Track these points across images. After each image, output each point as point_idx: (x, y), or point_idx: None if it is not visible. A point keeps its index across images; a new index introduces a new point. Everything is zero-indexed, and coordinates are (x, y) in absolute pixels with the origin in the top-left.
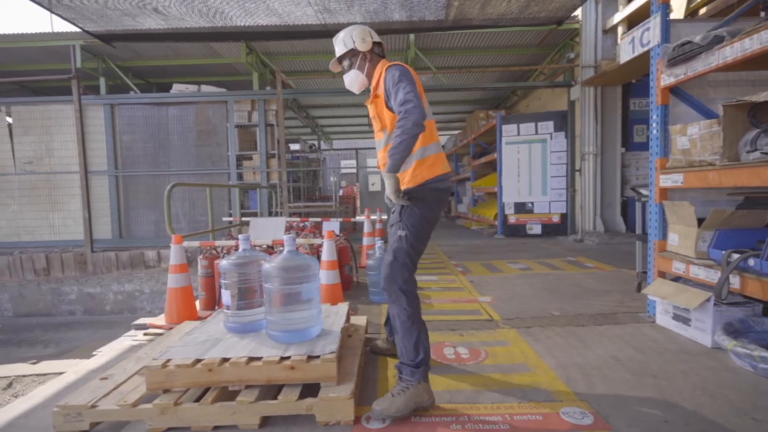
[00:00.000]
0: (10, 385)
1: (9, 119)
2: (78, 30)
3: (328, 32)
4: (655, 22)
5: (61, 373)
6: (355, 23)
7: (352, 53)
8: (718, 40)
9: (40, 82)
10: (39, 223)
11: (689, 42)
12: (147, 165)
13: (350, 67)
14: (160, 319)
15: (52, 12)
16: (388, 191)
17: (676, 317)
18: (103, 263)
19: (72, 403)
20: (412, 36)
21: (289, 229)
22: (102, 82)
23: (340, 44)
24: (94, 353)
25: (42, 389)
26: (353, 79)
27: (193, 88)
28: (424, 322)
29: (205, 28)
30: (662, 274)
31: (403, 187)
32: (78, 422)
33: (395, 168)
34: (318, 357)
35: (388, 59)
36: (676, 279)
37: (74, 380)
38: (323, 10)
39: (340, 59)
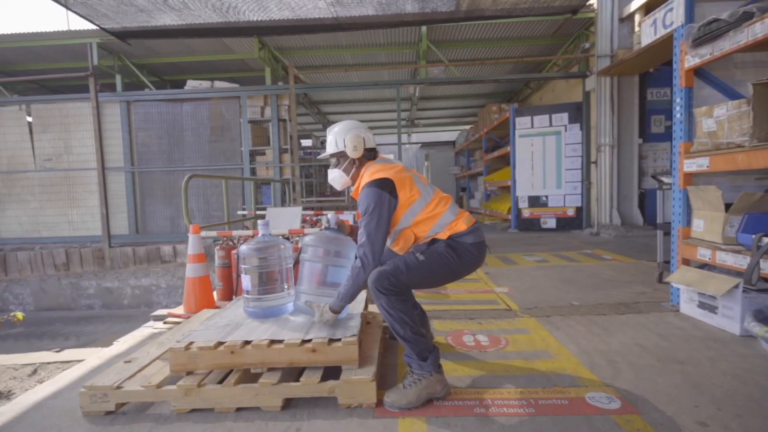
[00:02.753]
0: (35, 371)
1: (29, 118)
2: (94, 27)
3: (340, 26)
4: (678, 2)
5: (83, 361)
6: (368, 16)
7: (340, 154)
8: (747, 17)
9: (58, 81)
10: (58, 220)
11: (716, 20)
12: (162, 161)
13: (336, 165)
14: (179, 309)
15: (68, 9)
16: (319, 321)
17: (701, 305)
18: (121, 258)
19: (98, 384)
20: (424, 28)
21: (303, 222)
22: (118, 79)
23: (332, 143)
24: (113, 343)
25: (67, 373)
26: (336, 178)
27: (206, 84)
28: (413, 315)
29: (218, 23)
30: (686, 262)
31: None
32: (104, 403)
33: (340, 308)
34: (339, 340)
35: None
36: (702, 266)
37: (98, 365)
38: (335, 2)
39: (330, 155)
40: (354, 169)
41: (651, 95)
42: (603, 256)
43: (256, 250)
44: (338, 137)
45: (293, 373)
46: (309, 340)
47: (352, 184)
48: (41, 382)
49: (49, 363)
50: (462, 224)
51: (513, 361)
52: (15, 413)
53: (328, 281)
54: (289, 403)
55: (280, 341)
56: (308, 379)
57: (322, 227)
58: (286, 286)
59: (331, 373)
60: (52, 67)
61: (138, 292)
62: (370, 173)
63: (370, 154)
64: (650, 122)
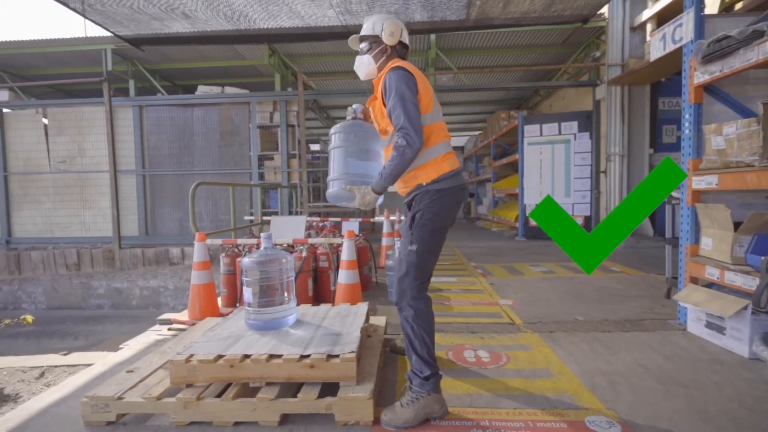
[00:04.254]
0: (42, 374)
1: (45, 120)
2: (109, 34)
3: (349, 33)
4: (688, 17)
5: (90, 365)
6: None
7: (374, 39)
8: (757, 35)
9: (74, 85)
10: (71, 220)
11: (726, 37)
12: (172, 165)
13: (367, 51)
14: (184, 315)
15: (85, 17)
16: (360, 203)
17: (709, 325)
18: (130, 259)
19: (100, 395)
20: (433, 36)
21: (309, 228)
22: (131, 84)
23: (369, 26)
24: (121, 346)
25: (72, 380)
26: (363, 65)
27: (217, 89)
28: (433, 335)
29: (229, 30)
30: (694, 280)
31: (408, 189)
32: (105, 413)
33: (382, 188)
34: (338, 356)
35: (408, 61)
36: (710, 285)
37: (102, 372)
38: (344, 11)
39: (362, 38)
40: (383, 58)
41: (663, 105)
42: (611, 268)
43: (258, 264)
44: (376, 22)
45: (292, 388)
46: (308, 356)
47: (376, 76)
48: (48, 386)
49: (56, 366)
50: (446, 166)
51: (513, 379)
52: (20, 420)
53: (359, 170)
54: (286, 419)
55: (279, 356)
56: (306, 395)
57: (348, 118)
58: (287, 299)
59: (330, 388)
60: (69, 71)
61: (146, 293)
62: (396, 64)
63: (402, 51)
64: (662, 132)
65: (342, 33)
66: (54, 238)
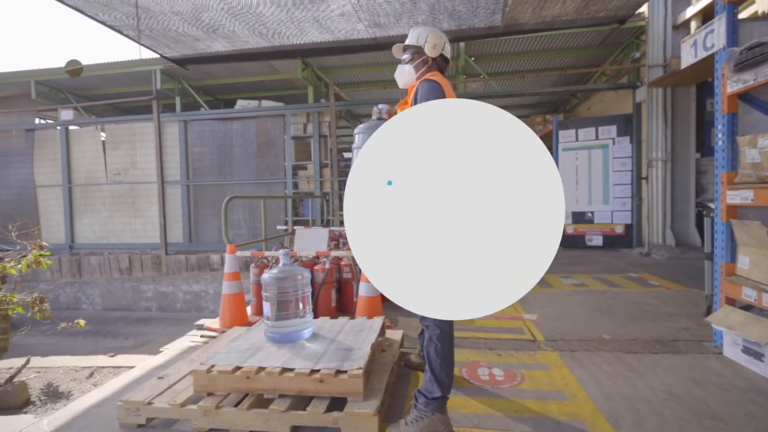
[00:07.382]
0: (91, 374)
1: (103, 136)
2: (158, 56)
3: (378, 46)
4: (719, 23)
5: (132, 367)
6: (405, 35)
7: (417, 49)
8: None
9: (128, 103)
10: (124, 228)
11: (760, 44)
12: (214, 175)
13: (409, 61)
14: (215, 322)
15: (139, 44)
16: None
17: (746, 350)
18: (175, 265)
19: (132, 399)
20: (461, 43)
21: (337, 238)
22: (177, 100)
23: (414, 36)
24: (160, 350)
25: (113, 382)
26: (404, 74)
27: (254, 103)
28: (453, 358)
29: (264, 47)
30: (731, 301)
31: None
32: (137, 416)
33: None
34: (346, 372)
35: (445, 75)
36: (747, 307)
37: (139, 376)
38: (373, 24)
39: (406, 48)
40: (424, 69)
41: (711, 106)
42: (649, 281)
43: (275, 280)
44: (421, 33)
45: (304, 400)
46: (318, 371)
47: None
48: (95, 386)
49: (103, 367)
50: None
51: (525, 400)
52: (66, 419)
53: None
54: (296, 430)
55: (291, 370)
56: (314, 409)
57: (374, 117)
58: (302, 313)
59: (340, 401)
60: (124, 91)
61: (189, 297)
62: (432, 76)
63: (443, 64)
64: (709, 135)
65: (371, 45)
66: (109, 244)
